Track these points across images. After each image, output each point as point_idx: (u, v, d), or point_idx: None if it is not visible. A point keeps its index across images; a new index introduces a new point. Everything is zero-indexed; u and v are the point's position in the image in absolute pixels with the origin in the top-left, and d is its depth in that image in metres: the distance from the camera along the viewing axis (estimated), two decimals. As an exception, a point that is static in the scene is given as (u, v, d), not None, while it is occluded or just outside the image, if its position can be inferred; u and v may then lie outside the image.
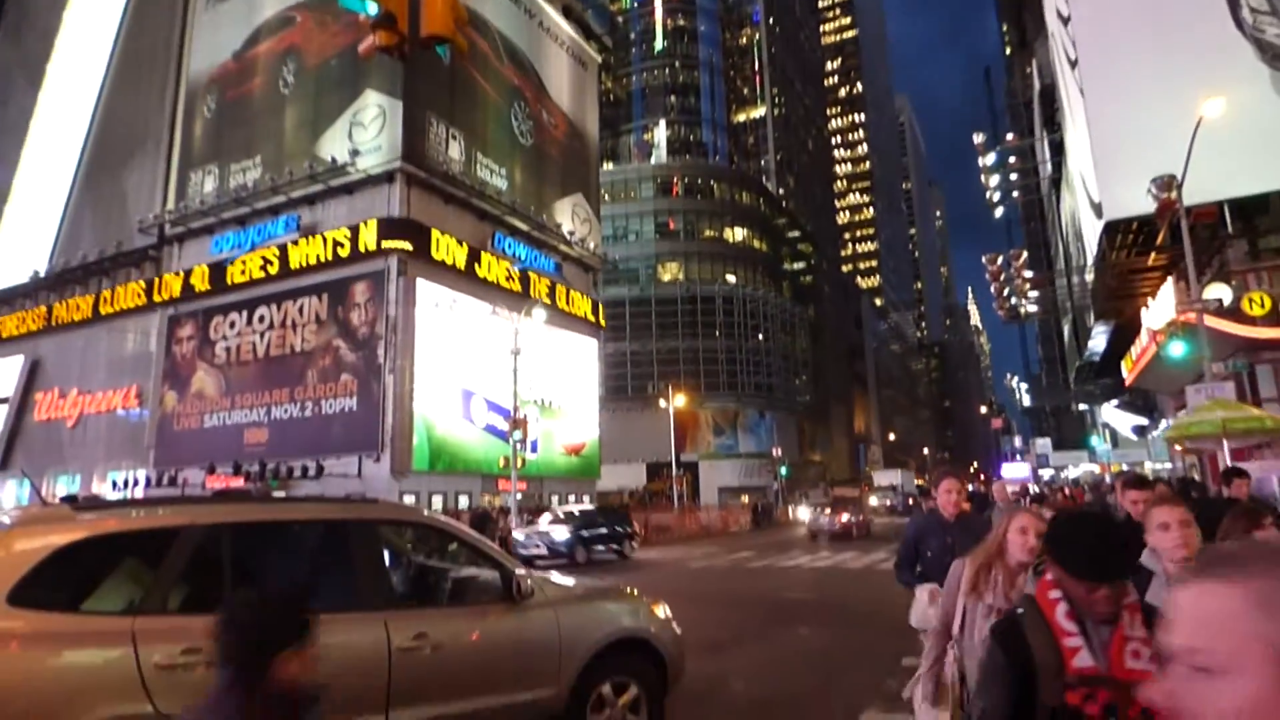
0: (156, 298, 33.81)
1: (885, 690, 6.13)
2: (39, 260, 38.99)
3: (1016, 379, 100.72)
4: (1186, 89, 14.28)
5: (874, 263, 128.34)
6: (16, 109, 42.58)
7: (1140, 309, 22.91)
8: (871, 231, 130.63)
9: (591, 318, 39.96)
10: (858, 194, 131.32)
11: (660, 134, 69.16)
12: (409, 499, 26.62)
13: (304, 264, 30.00)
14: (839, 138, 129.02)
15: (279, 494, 19.81)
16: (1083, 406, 50.98)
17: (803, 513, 41.75)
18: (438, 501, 28.58)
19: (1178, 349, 16.41)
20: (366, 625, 3.81)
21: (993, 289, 27.29)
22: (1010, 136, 42.56)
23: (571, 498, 35.41)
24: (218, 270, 32.15)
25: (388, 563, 4.46)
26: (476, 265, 31.78)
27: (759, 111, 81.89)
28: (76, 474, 34.83)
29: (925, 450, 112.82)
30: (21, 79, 43.25)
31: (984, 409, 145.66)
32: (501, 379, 27.79)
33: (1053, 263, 39.68)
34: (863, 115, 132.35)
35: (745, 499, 46.44)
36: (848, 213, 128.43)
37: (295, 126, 32.43)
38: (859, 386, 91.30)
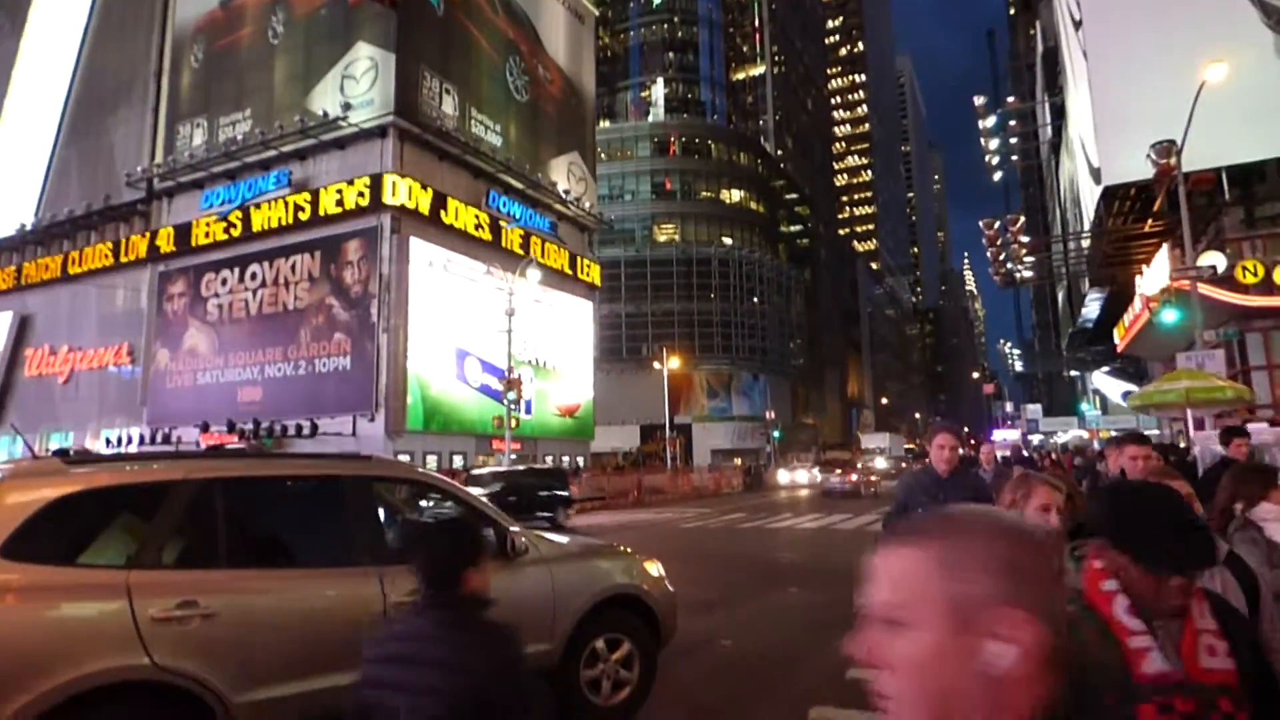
0: (146, 253, 33.48)
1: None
2: (25, 213, 38.46)
3: (1009, 345, 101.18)
4: (1189, 53, 14.07)
5: (871, 226, 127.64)
6: (-1, 56, 41.63)
7: (1135, 276, 22.92)
8: (869, 195, 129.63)
9: (587, 278, 39.75)
10: (856, 156, 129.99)
11: (658, 92, 68.04)
12: (404, 459, 26.77)
13: (297, 219, 29.69)
14: (839, 98, 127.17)
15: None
16: (1074, 373, 51.31)
17: (782, 476, 41.12)
18: (432, 461, 28.75)
19: (1170, 316, 16.46)
20: (361, 580, 3.84)
21: (989, 254, 27.22)
22: (1011, 99, 42.06)
23: (549, 458, 35.63)
24: (207, 225, 31.79)
25: (383, 519, 4.49)
26: (471, 224, 31.49)
27: (758, 70, 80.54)
28: (70, 432, 34.86)
29: (917, 415, 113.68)
30: (4, 24, 42.16)
31: (976, 374, 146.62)
32: (496, 339, 27.75)
33: (1050, 228, 39.56)
34: (863, 75, 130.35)
35: (738, 461, 46.80)
36: (846, 175, 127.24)
37: (285, 79, 31.79)
38: (853, 351, 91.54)
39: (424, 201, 29.20)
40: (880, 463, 50.29)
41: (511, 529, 4.44)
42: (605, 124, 58.84)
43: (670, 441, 42.82)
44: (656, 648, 5.02)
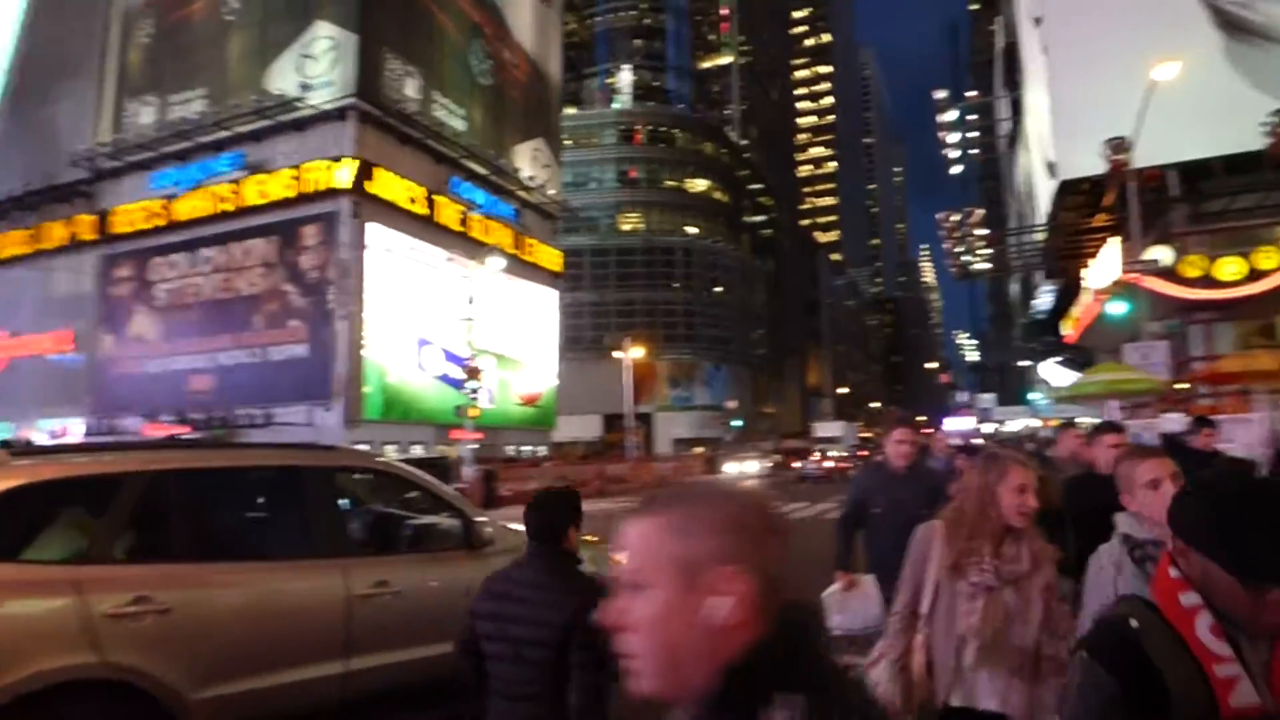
0: (90, 235, 32.28)
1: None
2: (-39, 192, 36.76)
3: (965, 336, 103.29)
4: (1144, 52, 14.43)
5: (833, 218, 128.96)
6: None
7: (1085, 268, 23.56)
8: (832, 186, 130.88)
9: (551, 266, 39.51)
10: (820, 147, 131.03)
11: (624, 79, 67.64)
12: (362, 449, 26.37)
13: (252, 203, 28.91)
14: (804, 89, 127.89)
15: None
16: (1026, 363, 52.67)
17: (730, 468, 38.30)
18: (390, 451, 28.39)
19: (1119, 308, 16.93)
20: (323, 572, 3.78)
21: (946, 246, 27.70)
22: (971, 94, 42.83)
23: (510, 447, 35.50)
24: (158, 207, 30.77)
25: (346, 510, 4.42)
26: (433, 209, 31.02)
27: (725, 59, 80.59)
28: (5, 421, 33.58)
29: (876, 404, 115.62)
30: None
31: (933, 364, 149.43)
32: (457, 327, 27.46)
33: (1006, 222, 40.41)
34: (828, 67, 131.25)
35: (699, 451, 47.10)
36: (810, 166, 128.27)
37: (240, 57, 30.86)
38: (813, 340, 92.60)
39: (384, 186, 28.66)
40: (834, 452, 49.67)
41: (477, 519, 4.40)
42: (571, 110, 58.32)
43: (633, 431, 42.92)
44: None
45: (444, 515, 4.52)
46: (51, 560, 3.28)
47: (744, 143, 78.17)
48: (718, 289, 63.24)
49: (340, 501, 4.41)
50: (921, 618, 2.49)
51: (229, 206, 29.26)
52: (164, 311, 30.94)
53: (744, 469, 38.51)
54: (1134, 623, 1.30)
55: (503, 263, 29.10)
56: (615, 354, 44.44)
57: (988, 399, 56.96)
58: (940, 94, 30.46)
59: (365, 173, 27.92)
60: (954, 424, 48.28)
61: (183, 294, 30.58)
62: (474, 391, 24.48)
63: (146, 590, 3.21)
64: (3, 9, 37.52)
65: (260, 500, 4.10)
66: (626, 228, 62.49)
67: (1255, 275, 15.81)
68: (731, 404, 57.69)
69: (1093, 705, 1.28)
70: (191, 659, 3.28)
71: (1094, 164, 16.43)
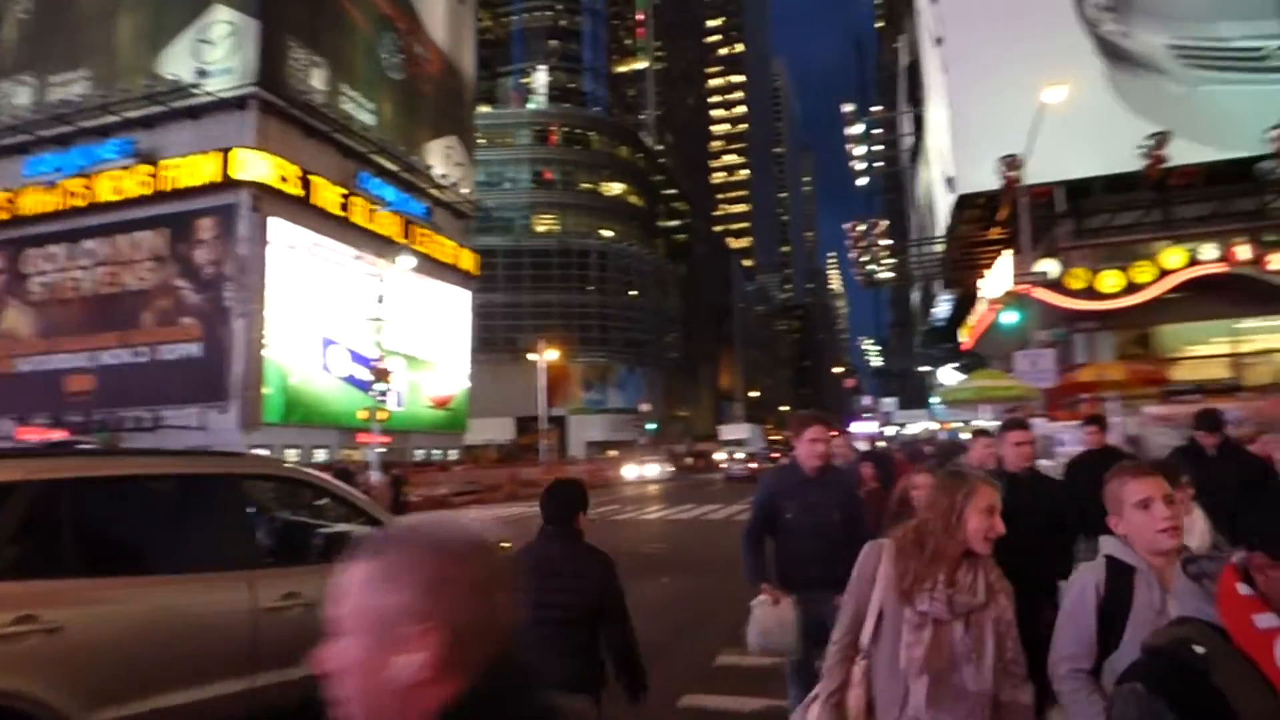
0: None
1: (742, 635, 6.46)
2: None
3: (870, 341, 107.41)
4: (1036, 76, 15.40)
5: (745, 224, 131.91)
6: None
7: (980, 279, 24.93)
8: (745, 193, 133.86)
9: (464, 266, 38.75)
10: (733, 155, 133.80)
11: (540, 79, 67.13)
12: (261, 453, 25.11)
13: (142, 193, 27.09)
14: (718, 97, 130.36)
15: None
16: (926, 369, 55.29)
17: (629, 472, 38.21)
18: (292, 456, 27.15)
19: (1010, 317, 17.98)
20: (228, 585, 3.59)
21: (852, 255, 28.72)
22: (877, 108, 44.63)
23: (419, 451, 34.66)
24: (32, 194, 28.40)
25: (253, 519, 4.17)
26: (339, 205, 29.88)
27: (641, 64, 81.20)
28: None
29: (784, 407, 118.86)
30: None
31: (839, 369, 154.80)
32: (365, 327, 26.53)
33: (908, 232, 42.27)
34: (742, 76, 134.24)
35: (612, 453, 47.16)
36: (723, 173, 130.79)
37: (131, 38, 28.88)
38: (725, 345, 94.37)
39: (287, 179, 27.41)
40: (740, 455, 49.12)
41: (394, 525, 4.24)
42: (485, 109, 57.43)
43: (546, 434, 42.57)
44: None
45: (359, 522, 4.36)
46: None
47: (659, 148, 78.96)
48: (632, 292, 63.58)
49: (247, 510, 4.16)
50: (862, 649, 2.18)
51: (121, 194, 27.33)
52: (39, 306, 28.60)
53: (643, 472, 37.52)
54: (1199, 649, 1.13)
55: (413, 261, 28.30)
56: (529, 356, 44.01)
57: (890, 403, 59.33)
58: (848, 107, 31.57)
59: (267, 165, 26.64)
60: (858, 427, 50.12)
61: (61, 288, 28.34)
62: (382, 394, 23.71)
63: (33, 608, 2.94)
64: None
65: (161, 510, 3.83)
66: (541, 229, 62.03)
67: (1132, 288, 17.09)
68: (645, 407, 58.09)
69: None
70: (84, 680, 3.04)
71: (989, 180, 17.39)
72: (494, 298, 54.50)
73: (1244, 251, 16.51)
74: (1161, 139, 16.07)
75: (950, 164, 20.00)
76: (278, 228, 27.01)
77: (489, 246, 51.60)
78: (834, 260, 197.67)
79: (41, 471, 3.32)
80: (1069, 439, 9.64)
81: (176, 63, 27.56)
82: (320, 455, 27.63)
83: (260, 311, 26.34)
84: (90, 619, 3.13)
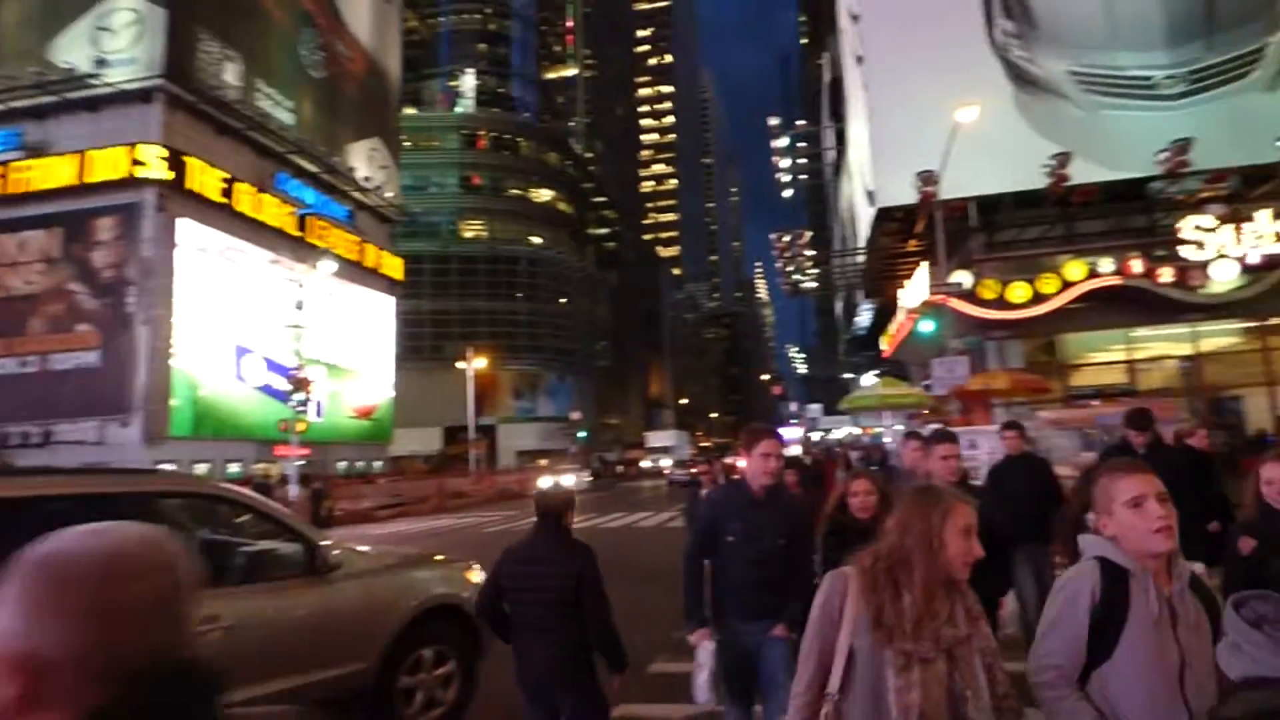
0: None
1: (672, 641, 6.43)
2: None
3: (796, 349, 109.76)
4: (952, 96, 16.10)
5: (674, 233, 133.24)
6: None
7: (900, 289, 25.83)
8: (673, 202, 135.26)
9: (389, 272, 37.77)
10: (662, 164, 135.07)
11: (468, 83, 66.19)
12: (167, 469, 23.76)
13: (29, 188, 25.34)
14: (647, 106, 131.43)
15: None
16: (849, 375, 56.95)
17: (544, 483, 37.81)
18: (202, 470, 25.81)
19: (927, 326, 18.69)
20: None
21: (779, 265, 29.36)
22: (801, 122, 45.79)
23: (342, 463, 33.59)
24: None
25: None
26: (255, 206, 28.68)
27: (570, 71, 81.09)
28: None
29: (714, 415, 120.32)
30: None
31: (766, 376, 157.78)
32: (283, 335, 25.49)
33: (831, 244, 43.49)
34: (671, 87, 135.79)
35: (543, 462, 46.64)
36: (653, 182, 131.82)
37: (19, 22, 27.04)
38: (655, 353, 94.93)
39: (197, 178, 26.14)
40: (665, 462, 47.45)
41: (322, 543, 4.05)
42: (411, 111, 56.23)
43: (475, 443, 41.83)
44: (478, 657, 4.83)
45: (282, 540, 4.16)
46: None
47: (589, 155, 78.99)
48: (562, 300, 63.26)
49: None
50: (829, 697, 1.91)
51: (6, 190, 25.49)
52: (-88, 311, 26.33)
53: (561, 482, 37.29)
54: None
55: (334, 266, 27.40)
56: (457, 364, 43.19)
57: (815, 409, 60.83)
58: (774, 121, 32.35)
59: (174, 162, 25.34)
60: (785, 433, 51.02)
61: (-62, 291, 26.20)
62: (301, 404, 22.80)
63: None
64: None
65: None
66: (469, 235, 61.09)
67: (1039, 298, 18.00)
68: (575, 415, 57.78)
69: None
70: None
71: (907, 194, 18.07)
72: (420, 304, 53.30)
73: (1137, 265, 17.61)
74: (1064, 159, 17.03)
75: (871, 178, 20.66)
76: (187, 229, 25.69)
77: (415, 252, 50.48)
78: (761, 269, 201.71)
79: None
80: (984, 444, 10.03)
81: (72, 50, 25.94)
82: (234, 469, 26.34)
83: (168, 318, 24.97)
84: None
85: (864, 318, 34.48)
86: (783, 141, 31.37)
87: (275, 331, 26.90)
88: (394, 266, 38.50)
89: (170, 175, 25.13)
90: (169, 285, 25.04)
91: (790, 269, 29.42)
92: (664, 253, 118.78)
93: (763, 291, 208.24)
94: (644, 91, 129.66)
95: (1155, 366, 19.40)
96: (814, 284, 32.30)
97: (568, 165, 70.64)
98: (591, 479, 33.72)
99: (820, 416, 56.06)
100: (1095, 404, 17.31)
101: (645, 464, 48.95)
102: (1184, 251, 17.49)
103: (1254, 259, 17.12)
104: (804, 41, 63.56)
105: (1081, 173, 17.24)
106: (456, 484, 32.86)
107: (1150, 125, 17.52)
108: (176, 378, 25.18)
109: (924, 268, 20.91)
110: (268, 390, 28.10)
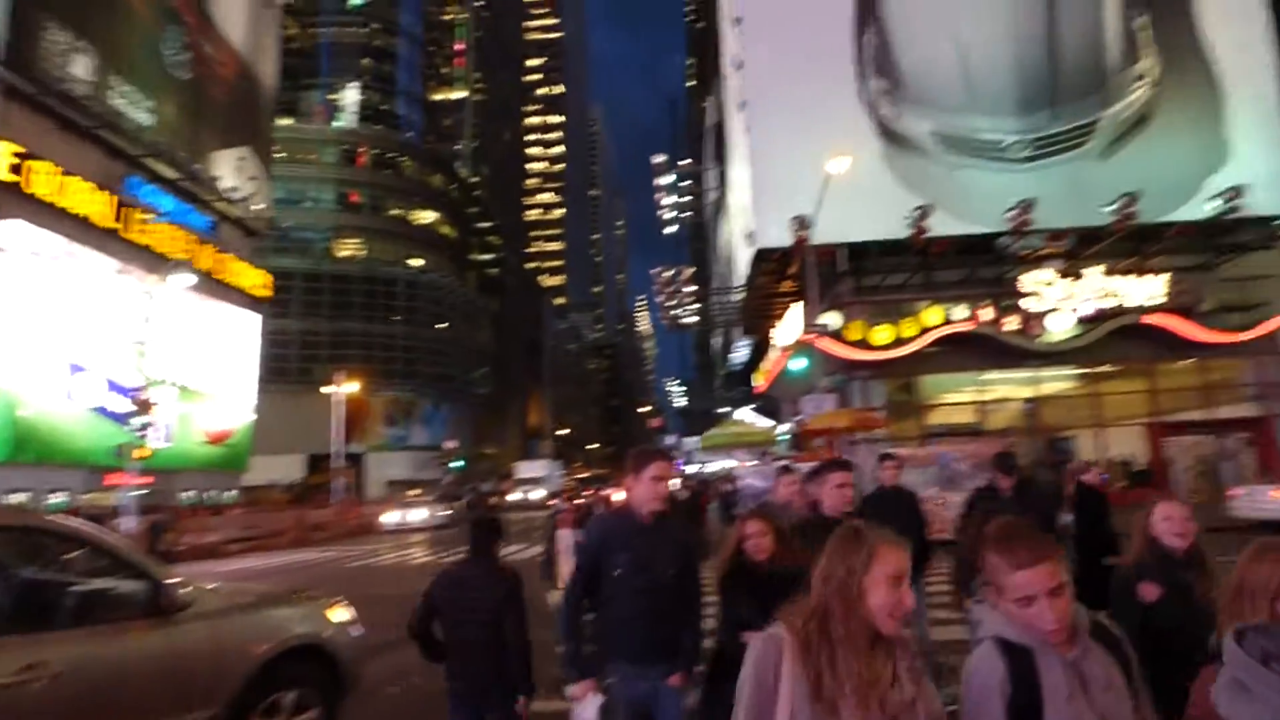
0: None
1: (546, 677, 6.31)
2: None
3: (675, 383, 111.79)
4: (827, 146, 17.14)
5: (559, 263, 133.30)
6: None
7: (774, 328, 26.95)
8: (559, 232, 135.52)
9: (254, 289, 35.51)
10: (549, 193, 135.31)
11: (350, 97, 63.92)
12: (-20, 494, 21.05)
13: None
14: (535, 135, 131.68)
15: None
16: (725, 410, 58.54)
17: (389, 518, 30.43)
18: (18, 501, 23.05)
19: (799, 364, 19.60)
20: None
21: (660, 299, 29.94)
22: (686, 162, 47.28)
23: (187, 493, 31.07)
24: None
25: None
26: (101, 211, 26.28)
27: (459, 94, 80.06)
28: None
29: (594, 445, 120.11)
30: None
31: (646, 409, 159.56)
32: (127, 352, 23.34)
33: (711, 281, 44.86)
34: (560, 116, 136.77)
35: (414, 493, 44.83)
36: (539, 210, 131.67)
37: None
38: (535, 382, 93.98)
39: (31, 175, 23.69)
40: (535, 494, 45.42)
41: (168, 580, 3.67)
42: (287, 122, 53.59)
43: (341, 472, 39.68)
44: (340, 698, 4.53)
45: (123, 578, 3.77)
46: None
47: (474, 180, 77.96)
48: (441, 325, 61.60)
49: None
50: None
51: None
52: None
53: (408, 517, 30.17)
54: None
55: (191, 279, 25.45)
56: (325, 389, 40.98)
57: (692, 442, 61.86)
58: (659, 158, 33.23)
59: (6, 158, 22.90)
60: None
61: None
62: (143, 428, 20.86)
63: None
64: None
65: None
66: (345, 254, 58.57)
67: (900, 341, 19.27)
68: (451, 444, 56.03)
69: None
70: None
71: (784, 237, 18.96)
72: (288, 324, 50.36)
73: (987, 314, 19.25)
74: (925, 212, 18.45)
75: (750, 220, 21.52)
76: (16, 231, 23.16)
77: (285, 268, 47.79)
78: (643, 303, 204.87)
79: None
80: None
81: (-110, 27, 23.08)
82: (57, 500, 23.66)
83: (-14, 327, 22.33)
84: None
85: (740, 354, 35.66)
86: (667, 179, 32.28)
87: (119, 348, 24.58)
88: (260, 283, 36.27)
89: (10, 178, 22.66)
90: (-8, 292, 22.44)
91: (671, 304, 30.13)
92: (548, 282, 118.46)
93: (645, 324, 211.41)
94: (533, 120, 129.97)
95: (1001, 408, 21.13)
96: (694, 319, 33.20)
97: (452, 188, 69.39)
98: (451, 513, 30.94)
99: (697, 450, 57.12)
100: (934, 444, 18.22)
101: (513, 496, 47.10)
102: (1026, 303, 19.29)
103: (1086, 311, 19.12)
104: (691, 84, 65.95)
105: (940, 225, 18.71)
106: (318, 516, 30.94)
107: (1000, 185, 19.29)
108: (-6, 395, 22.48)
109: (797, 308, 21.93)
110: (105, 412, 25.57)
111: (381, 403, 54.61)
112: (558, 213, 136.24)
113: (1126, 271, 19.34)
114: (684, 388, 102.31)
